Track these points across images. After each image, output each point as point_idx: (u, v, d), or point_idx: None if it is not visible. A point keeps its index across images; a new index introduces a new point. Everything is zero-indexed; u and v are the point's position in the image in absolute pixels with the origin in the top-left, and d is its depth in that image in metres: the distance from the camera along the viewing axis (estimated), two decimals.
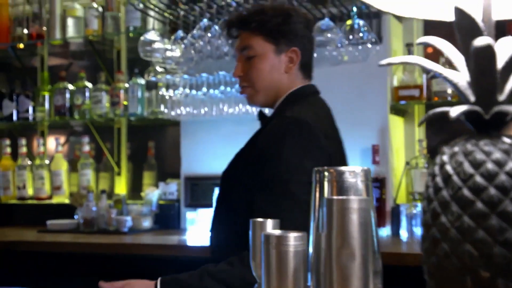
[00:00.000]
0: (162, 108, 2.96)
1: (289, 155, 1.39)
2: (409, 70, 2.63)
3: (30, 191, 3.29)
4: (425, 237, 0.64)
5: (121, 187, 3.25)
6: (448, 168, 0.63)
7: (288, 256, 0.70)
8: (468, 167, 0.61)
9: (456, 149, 0.63)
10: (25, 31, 3.23)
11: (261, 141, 1.46)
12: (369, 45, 2.52)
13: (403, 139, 2.79)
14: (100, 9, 3.12)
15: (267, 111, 1.66)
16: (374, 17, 2.63)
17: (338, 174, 0.74)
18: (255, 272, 0.79)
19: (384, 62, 0.68)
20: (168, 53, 2.67)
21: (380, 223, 2.54)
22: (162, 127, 3.43)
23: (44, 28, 3.19)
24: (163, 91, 2.90)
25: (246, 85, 1.55)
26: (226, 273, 1.36)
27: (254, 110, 2.76)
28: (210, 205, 2.52)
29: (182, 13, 2.69)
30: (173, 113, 2.87)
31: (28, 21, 3.23)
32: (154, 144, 3.25)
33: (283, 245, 0.70)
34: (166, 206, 2.96)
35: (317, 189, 0.75)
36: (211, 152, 2.84)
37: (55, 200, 3.23)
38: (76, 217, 2.92)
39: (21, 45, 3.36)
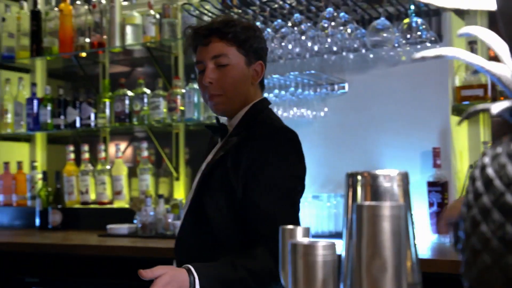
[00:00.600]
0: None
1: (285, 164, 1.49)
2: (472, 70, 2.50)
3: (92, 196, 3.38)
4: (465, 248, 0.58)
5: (180, 192, 3.28)
6: (490, 171, 0.56)
7: (316, 266, 0.65)
8: None
9: (499, 149, 0.57)
10: (87, 40, 3.33)
11: (256, 149, 1.49)
12: (428, 44, 2.42)
13: (466, 141, 2.65)
14: (158, 16, 3.16)
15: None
16: (433, 14, 2.52)
17: (372, 178, 0.69)
18: (284, 281, 0.75)
19: (417, 55, 0.62)
20: None
21: (442, 230, 2.41)
22: None
23: (105, 37, 3.27)
24: None
25: (218, 93, 1.57)
26: (253, 263, 1.37)
27: (310, 113, 2.71)
28: None
29: (235, 17, 2.68)
30: None
31: (90, 31, 3.33)
32: None
33: (311, 255, 0.65)
34: None
35: (350, 194, 0.70)
36: None
37: (116, 204, 3.30)
38: (135, 221, 2.97)
39: (84, 54, 3.47)
